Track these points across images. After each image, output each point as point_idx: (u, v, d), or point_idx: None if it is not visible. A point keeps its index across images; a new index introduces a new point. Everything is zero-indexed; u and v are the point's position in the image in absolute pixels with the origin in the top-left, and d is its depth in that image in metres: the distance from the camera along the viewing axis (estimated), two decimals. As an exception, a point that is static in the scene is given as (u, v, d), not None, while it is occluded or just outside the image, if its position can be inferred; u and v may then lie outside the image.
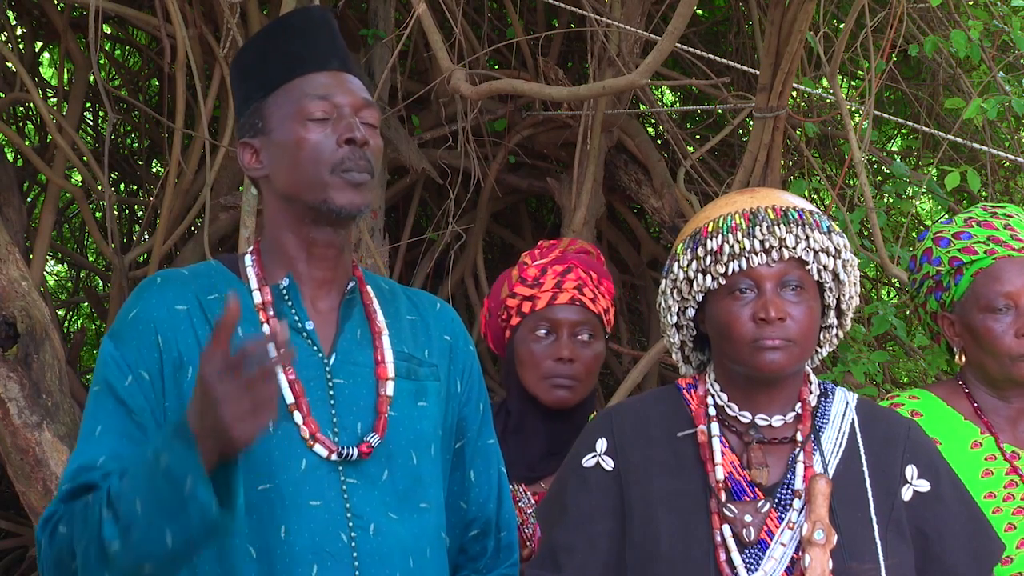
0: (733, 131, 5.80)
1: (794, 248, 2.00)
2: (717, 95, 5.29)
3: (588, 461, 2.07)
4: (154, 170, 7.00)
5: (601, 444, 2.07)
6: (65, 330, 7.50)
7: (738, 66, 4.94)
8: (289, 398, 1.87)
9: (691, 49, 5.07)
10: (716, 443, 2.03)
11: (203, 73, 4.83)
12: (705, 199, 5.24)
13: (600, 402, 4.77)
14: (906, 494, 2.02)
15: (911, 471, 2.04)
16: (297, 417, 1.87)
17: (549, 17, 5.98)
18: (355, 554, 1.86)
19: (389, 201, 5.56)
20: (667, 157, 5.61)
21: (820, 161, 5.94)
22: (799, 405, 2.06)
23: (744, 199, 2.06)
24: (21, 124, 6.61)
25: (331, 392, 1.92)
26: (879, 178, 6.16)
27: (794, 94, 5.25)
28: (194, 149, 5.01)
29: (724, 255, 2.00)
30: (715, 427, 2.05)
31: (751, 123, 3.96)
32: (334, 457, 1.88)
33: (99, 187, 4.95)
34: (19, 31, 6.16)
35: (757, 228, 2.00)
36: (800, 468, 2.00)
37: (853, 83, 6.30)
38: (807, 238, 2.00)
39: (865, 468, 2.02)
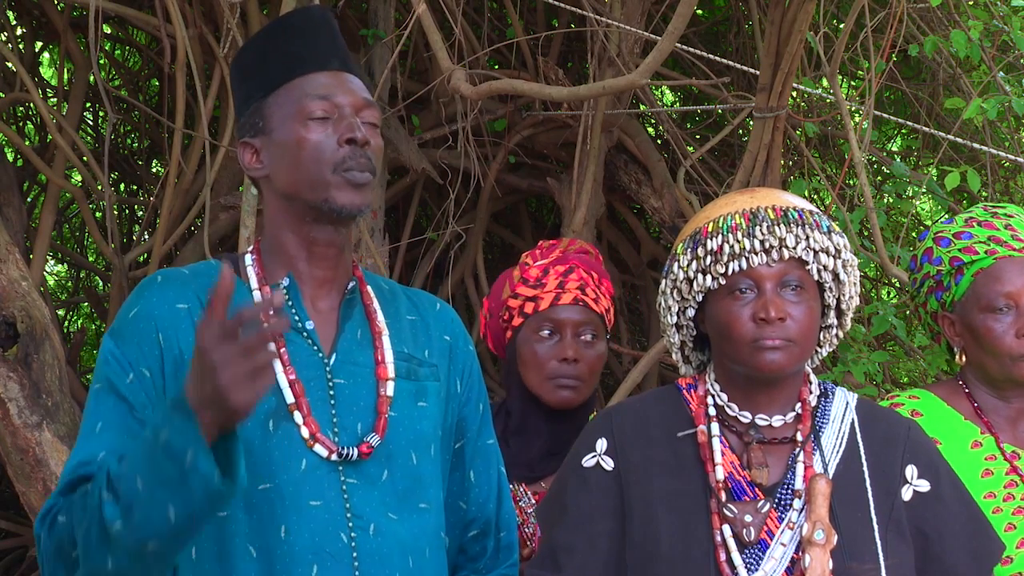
0: (733, 131, 5.79)
1: (794, 248, 2.00)
2: (717, 95, 5.29)
3: (588, 461, 2.07)
4: (154, 170, 7.00)
5: (601, 444, 2.07)
6: (65, 330, 7.50)
7: (738, 66, 4.93)
8: (289, 398, 1.87)
9: (691, 49, 5.07)
10: (716, 443, 2.03)
11: (203, 73, 4.83)
12: (705, 199, 5.24)
13: (600, 402, 4.77)
14: (906, 494, 2.02)
15: (911, 471, 2.04)
16: (297, 417, 1.87)
17: (549, 17, 5.98)
18: (355, 554, 1.86)
19: (389, 201, 5.56)
20: (667, 157, 5.60)
21: (820, 161, 5.94)
22: (799, 405, 2.06)
23: (744, 199, 2.06)
24: (21, 124, 6.61)
25: (331, 392, 1.92)
26: (879, 178, 6.16)
27: (794, 94, 5.25)
28: (194, 149, 5.01)
29: (724, 255, 2.00)
30: (715, 427, 2.05)
31: (751, 123, 3.95)
32: (334, 457, 1.88)
33: (99, 187, 4.95)
34: (19, 31, 6.16)
35: (757, 228, 2.00)
36: (800, 468, 2.00)
37: (853, 83, 6.29)
38: (807, 238, 2.00)
39: (865, 468, 2.02)
